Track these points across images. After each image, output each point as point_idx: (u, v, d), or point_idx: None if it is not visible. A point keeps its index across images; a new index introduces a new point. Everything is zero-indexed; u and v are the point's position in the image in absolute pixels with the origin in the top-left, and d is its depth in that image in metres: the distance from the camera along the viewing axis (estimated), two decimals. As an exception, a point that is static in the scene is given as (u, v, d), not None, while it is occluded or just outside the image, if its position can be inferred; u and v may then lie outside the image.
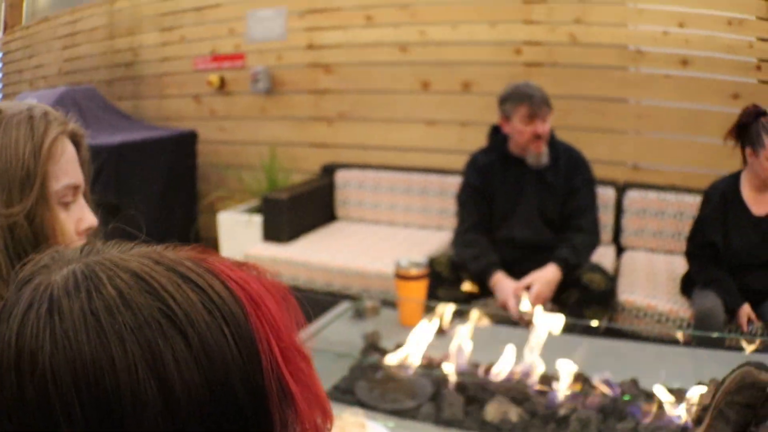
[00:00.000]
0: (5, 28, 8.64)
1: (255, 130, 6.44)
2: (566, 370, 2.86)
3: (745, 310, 3.62)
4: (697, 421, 2.22)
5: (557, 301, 3.95)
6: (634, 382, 2.81)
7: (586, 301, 3.82)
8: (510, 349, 2.92)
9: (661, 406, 2.62)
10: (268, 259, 4.94)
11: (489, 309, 3.67)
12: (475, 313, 3.20)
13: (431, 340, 3.11)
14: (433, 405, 2.70)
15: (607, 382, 2.82)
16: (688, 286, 4.00)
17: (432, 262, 3.96)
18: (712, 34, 4.78)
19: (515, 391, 2.74)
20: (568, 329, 3.48)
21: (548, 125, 3.92)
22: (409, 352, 3.01)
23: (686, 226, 4.08)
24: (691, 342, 3.40)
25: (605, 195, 4.69)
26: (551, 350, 2.93)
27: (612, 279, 3.99)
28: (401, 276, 3.53)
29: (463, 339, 3.03)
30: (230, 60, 6.48)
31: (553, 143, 4.04)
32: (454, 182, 4.33)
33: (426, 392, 2.78)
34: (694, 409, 2.49)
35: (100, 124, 5.97)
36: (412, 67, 5.70)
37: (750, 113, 3.55)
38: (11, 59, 8.68)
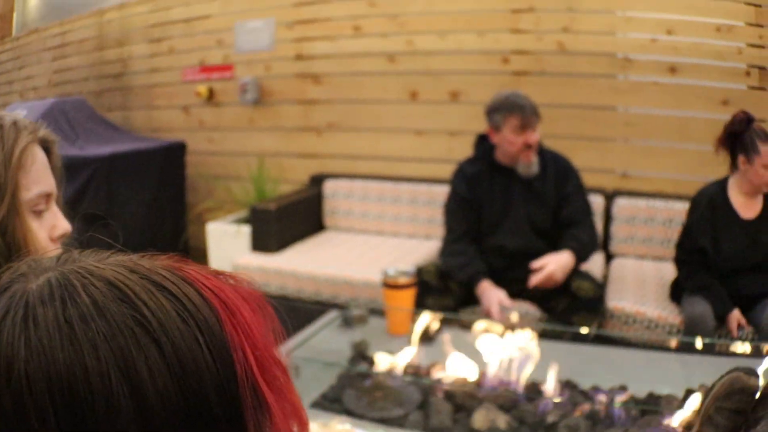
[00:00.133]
0: (-4, 40, 8.65)
1: (243, 140, 6.43)
2: (554, 377, 2.86)
3: (735, 315, 3.62)
4: (687, 427, 2.21)
5: (546, 308, 3.95)
6: (623, 389, 2.80)
7: (575, 309, 3.82)
8: (497, 357, 2.92)
9: (650, 412, 2.62)
10: (256, 269, 4.93)
11: (477, 317, 3.67)
12: (463, 321, 3.19)
13: (419, 349, 3.11)
14: (421, 413, 2.69)
15: (596, 389, 2.81)
16: (677, 292, 4.00)
17: (420, 271, 3.95)
18: (701, 41, 4.79)
19: (503, 398, 2.74)
20: (556, 336, 3.48)
21: (538, 134, 3.92)
22: (396, 361, 3.01)
23: (675, 233, 4.08)
24: (680, 348, 3.40)
25: (594, 203, 4.66)
26: (540, 357, 2.92)
27: (600, 286, 3.98)
28: (389, 285, 3.53)
29: (451, 347, 3.03)
30: (219, 71, 6.48)
31: (541, 152, 4.04)
32: (443, 191, 4.33)
33: (414, 400, 2.78)
34: (683, 415, 2.49)
35: (89, 135, 5.96)
36: (400, 76, 5.70)
37: (741, 121, 3.56)
38: (1, 70, 8.67)
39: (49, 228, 1.36)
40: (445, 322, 3.40)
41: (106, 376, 0.59)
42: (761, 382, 1.40)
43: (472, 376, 2.92)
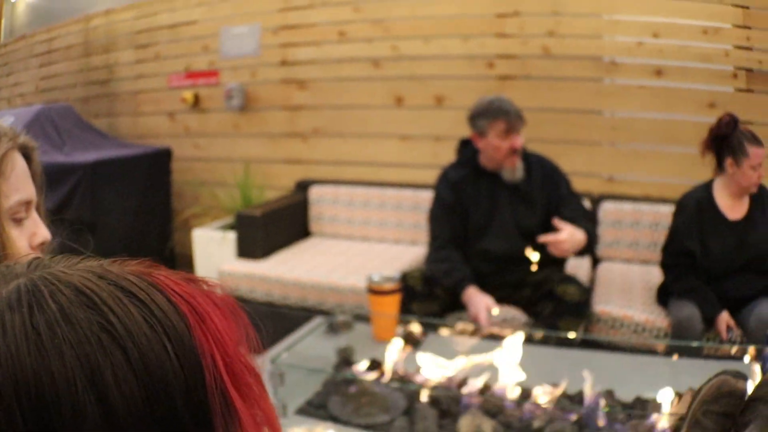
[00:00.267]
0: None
1: (229, 146, 6.42)
2: (540, 382, 2.85)
3: (724, 317, 3.63)
4: (674, 430, 2.20)
5: (532, 313, 3.94)
6: (610, 393, 2.79)
7: (561, 313, 3.80)
8: (483, 362, 2.91)
9: (637, 416, 2.61)
10: (242, 276, 4.92)
11: (462, 323, 3.66)
12: (448, 327, 3.19)
13: (404, 354, 3.10)
14: (407, 419, 2.68)
15: (583, 394, 2.80)
16: (663, 295, 4.01)
17: (405, 277, 3.94)
18: (687, 44, 4.79)
19: (489, 403, 2.73)
20: (543, 341, 3.47)
21: (522, 138, 3.91)
22: (382, 367, 3.00)
23: (662, 237, 4.08)
24: (667, 351, 3.40)
25: (581, 207, 4.70)
26: (526, 362, 2.92)
27: (586, 290, 3.97)
28: (373, 291, 3.53)
29: (436, 353, 3.02)
30: (204, 77, 6.47)
31: (526, 155, 4.03)
32: (428, 197, 4.32)
33: (399, 406, 2.77)
34: (670, 419, 2.48)
35: (75, 141, 5.96)
36: (385, 82, 5.70)
37: (728, 124, 3.57)
38: (-10, 77, 8.67)
39: (29, 236, 1.34)
40: (430, 328, 3.39)
41: (72, 383, 0.58)
42: (749, 385, 1.39)
43: (458, 381, 2.91)
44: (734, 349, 3.28)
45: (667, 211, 4.41)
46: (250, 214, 5.25)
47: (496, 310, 3.76)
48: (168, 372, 0.62)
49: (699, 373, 1.96)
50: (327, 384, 2.99)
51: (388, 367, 3.02)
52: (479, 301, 3.77)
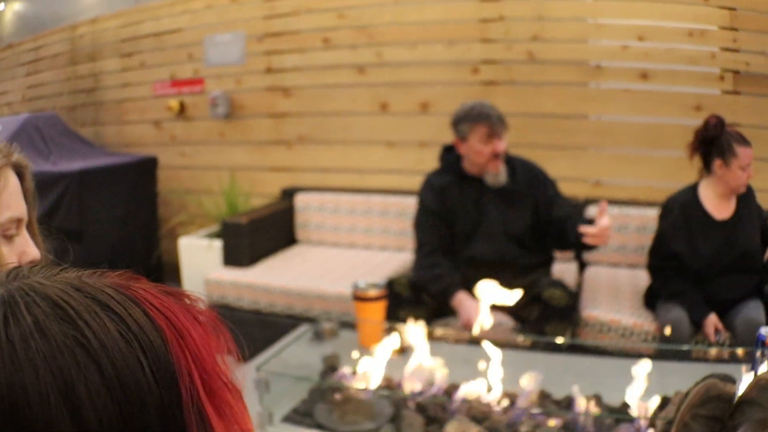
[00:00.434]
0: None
1: (215, 154, 6.40)
2: (527, 387, 2.84)
3: (712, 320, 3.63)
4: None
5: (519, 318, 3.94)
6: (598, 398, 2.78)
7: (547, 318, 3.80)
8: (470, 368, 2.90)
9: (624, 420, 2.60)
10: (229, 284, 4.91)
11: (450, 329, 3.65)
12: (435, 334, 3.18)
13: (391, 361, 3.09)
14: (393, 426, 2.68)
15: (570, 398, 2.80)
16: (651, 299, 4.01)
17: (392, 283, 3.94)
18: (673, 46, 4.79)
19: (476, 410, 2.72)
20: (530, 346, 3.47)
21: (505, 143, 3.91)
22: (368, 374, 2.99)
23: (649, 240, 4.08)
24: (655, 355, 3.39)
25: (566, 211, 4.69)
26: (513, 367, 2.91)
27: (573, 294, 3.96)
28: (359, 298, 3.54)
29: (423, 359, 3.01)
30: (189, 85, 6.45)
31: (509, 160, 4.03)
32: (414, 203, 4.31)
33: (385, 413, 2.76)
34: (658, 423, 2.48)
35: (61, 150, 5.96)
36: (370, 88, 5.69)
37: (716, 126, 3.59)
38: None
39: (19, 253, 1.34)
40: (417, 334, 3.38)
41: (45, 397, 0.58)
42: (738, 387, 1.38)
43: (445, 387, 2.90)
44: (723, 352, 3.28)
45: (653, 214, 4.40)
46: (235, 222, 5.23)
47: (490, 320, 3.75)
48: (143, 388, 0.62)
49: (687, 376, 1.95)
50: (313, 391, 2.99)
51: (374, 373, 3.01)
52: (470, 306, 3.76)
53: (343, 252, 5.50)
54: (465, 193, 4.03)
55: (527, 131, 5.04)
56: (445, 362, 3.03)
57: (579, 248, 4.03)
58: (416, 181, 4.31)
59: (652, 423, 2.55)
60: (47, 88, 7.56)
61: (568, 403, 2.79)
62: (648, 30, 4.84)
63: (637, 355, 3.49)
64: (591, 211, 4.77)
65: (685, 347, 3.36)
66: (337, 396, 2.90)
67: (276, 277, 4.87)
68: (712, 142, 3.60)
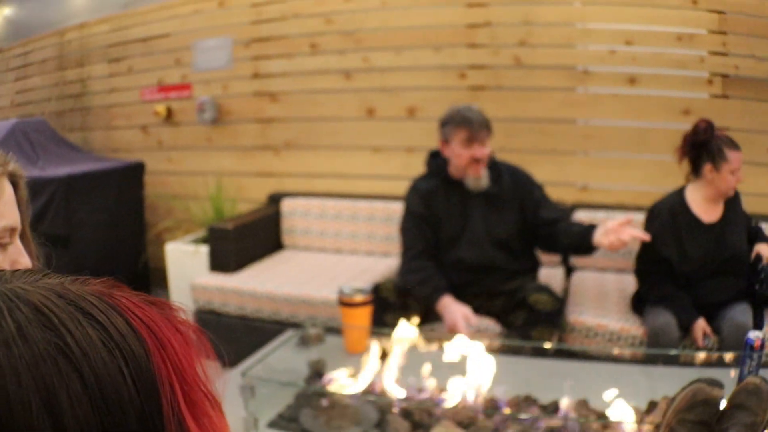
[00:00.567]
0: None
1: (202, 160, 6.39)
2: (514, 392, 2.84)
3: (700, 324, 3.64)
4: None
5: (505, 323, 3.93)
6: (584, 403, 2.78)
7: (533, 322, 3.80)
8: (456, 373, 2.89)
9: (611, 425, 2.59)
10: (215, 289, 4.89)
11: (436, 333, 3.65)
12: (421, 338, 3.18)
13: (376, 366, 3.08)
14: (379, 431, 2.66)
15: (556, 403, 2.79)
16: (638, 304, 4.00)
17: (378, 288, 3.94)
18: (661, 51, 4.80)
19: (461, 415, 2.71)
20: (516, 351, 3.46)
21: (487, 149, 3.92)
22: (353, 379, 2.98)
23: (636, 245, 4.07)
24: (643, 360, 3.39)
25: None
26: (499, 372, 2.90)
27: (559, 299, 3.96)
28: (345, 303, 3.53)
29: (409, 364, 3.00)
30: (177, 90, 6.44)
31: (495, 164, 4.04)
32: (400, 208, 4.30)
33: (371, 418, 2.75)
34: (645, 428, 2.47)
35: (49, 156, 5.95)
36: (357, 93, 5.68)
37: (706, 130, 3.60)
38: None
39: (11, 263, 1.34)
40: (403, 339, 3.37)
41: (27, 404, 0.57)
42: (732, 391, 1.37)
43: (430, 392, 2.90)
44: (711, 356, 3.28)
45: (641, 218, 4.39)
46: (222, 227, 5.23)
47: (474, 321, 3.75)
48: (124, 398, 0.61)
49: (675, 381, 1.94)
50: (299, 397, 2.98)
51: (360, 379, 3.01)
52: (456, 310, 3.75)
53: (330, 257, 5.49)
54: (450, 197, 4.04)
55: (514, 136, 5.05)
56: (431, 367, 3.02)
57: (568, 252, 4.03)
58: (403, 187, 4.30)
59: (638, 428, 2.54)
60: (36, 93, 7.54)
61: (554, 407, 2.78)
62: (636, 34, 4.85)
63: (624, 360, 3.50)
64: (579, 216, 4.77)
65: (673, 352, 3.35)
66: (323, 401, 2.89)
67: (262, 283, 4.86)
68: (702, 147, 3.61)
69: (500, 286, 3.98)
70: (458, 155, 3.92)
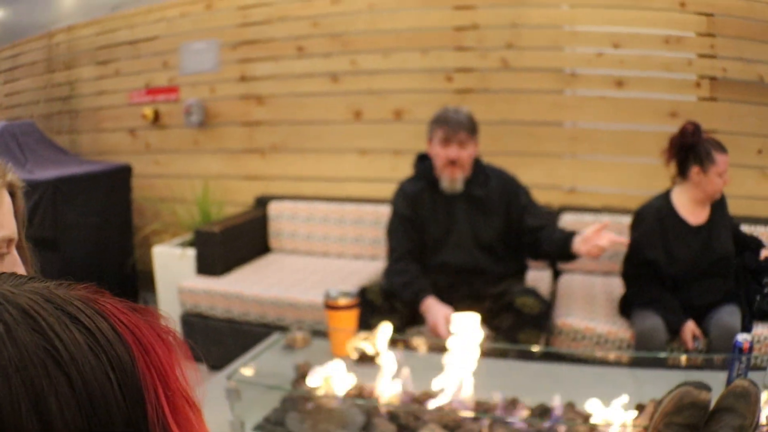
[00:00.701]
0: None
1: (189, 163, 6.38)
2: (501, 395, 2.83)
3: (689, 326, 3.65)
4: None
5: (491, 326, 3.93)
6: (571, 406, 2.77)
7: (520, 325, 3.80)
8: (442, 376, 2.88)
9: (598, 429, 2.59)
10: (202, 292, 4.88)
11: (422, 336, 3.65)
12: (407, 341, 3.17)
13: (362, 369, 3.07)
14: (364, 435, 2.65)
15: (543, 406, 2.78)
16: (626, 307, 4.00)
17: (365, 291, 3.94)
18: (649, 53, 4.81)
19: (448, 418, 2.70)
20: (503, 354, 3.45)
21: (467, 152, 3.93)
22: (339, 382, 2.97)
23: (623, 247, 4.07)
24: (630, 363, 3.39)
25: (541, 219, 4.69)
26: (486, 375, 2.90)
27: (545, 302, 3.96)
28: (330, 306, 3.53)
29: (395, 367, 3.00)
30: (164, 93, 6.43)
31: (482, 168, 4.04)
32: (388, 211, 4.30)
33: (357, 422, 2.74)
34: (633, 431, 2.47)
35: (37, 158, 5.95)
36: (344, 96, 5.68)
37: (693, 132, 3.61)
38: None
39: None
40: (389, 342, 3.37)
41: (16, 406, 0.57)
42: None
43: (417, 395, 2.89)
44: (699, 359, 3.28)
45: (628, 221, 4.40)
46: (208, 230, 5.22)
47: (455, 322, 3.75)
48: (111, 402, 0.61)
49: (663, 384, 1.94)
50: (285, 400, 2.97)
51: (345, 382, 3.00)
52: (437, 311, 3.76)
53: (317, 261, 5.49)
54: (437, 200, 4.04)
55: (502, 138, 5.05)
56: (417, 370, 3.02)
57: (554, 258, 4.04)
58: (390, 189, 4.30)
59: (626, 431, 2.53)
60: (24, 95, 7.52)
61: (541, 411, 2.78)
62: (623, 37, 4.85)
63: (612, 363, 3.50)
64: (566, 218, 4.77)
65: (661, 354, 3.36)
66: (309, 405, 2.88)
67: (249, 286, 4.86)
68: (690, 149, 3.62)
69: (487, 289, 3.98)
70: (435, 154, 3.97)
